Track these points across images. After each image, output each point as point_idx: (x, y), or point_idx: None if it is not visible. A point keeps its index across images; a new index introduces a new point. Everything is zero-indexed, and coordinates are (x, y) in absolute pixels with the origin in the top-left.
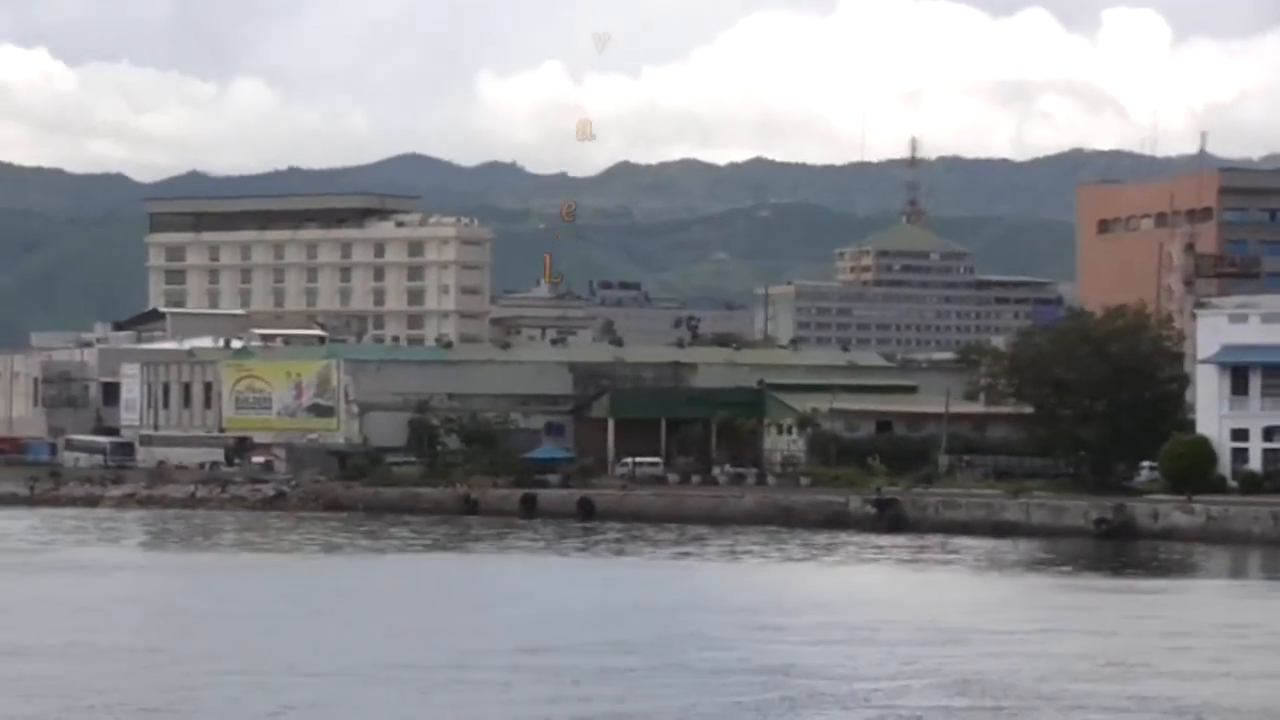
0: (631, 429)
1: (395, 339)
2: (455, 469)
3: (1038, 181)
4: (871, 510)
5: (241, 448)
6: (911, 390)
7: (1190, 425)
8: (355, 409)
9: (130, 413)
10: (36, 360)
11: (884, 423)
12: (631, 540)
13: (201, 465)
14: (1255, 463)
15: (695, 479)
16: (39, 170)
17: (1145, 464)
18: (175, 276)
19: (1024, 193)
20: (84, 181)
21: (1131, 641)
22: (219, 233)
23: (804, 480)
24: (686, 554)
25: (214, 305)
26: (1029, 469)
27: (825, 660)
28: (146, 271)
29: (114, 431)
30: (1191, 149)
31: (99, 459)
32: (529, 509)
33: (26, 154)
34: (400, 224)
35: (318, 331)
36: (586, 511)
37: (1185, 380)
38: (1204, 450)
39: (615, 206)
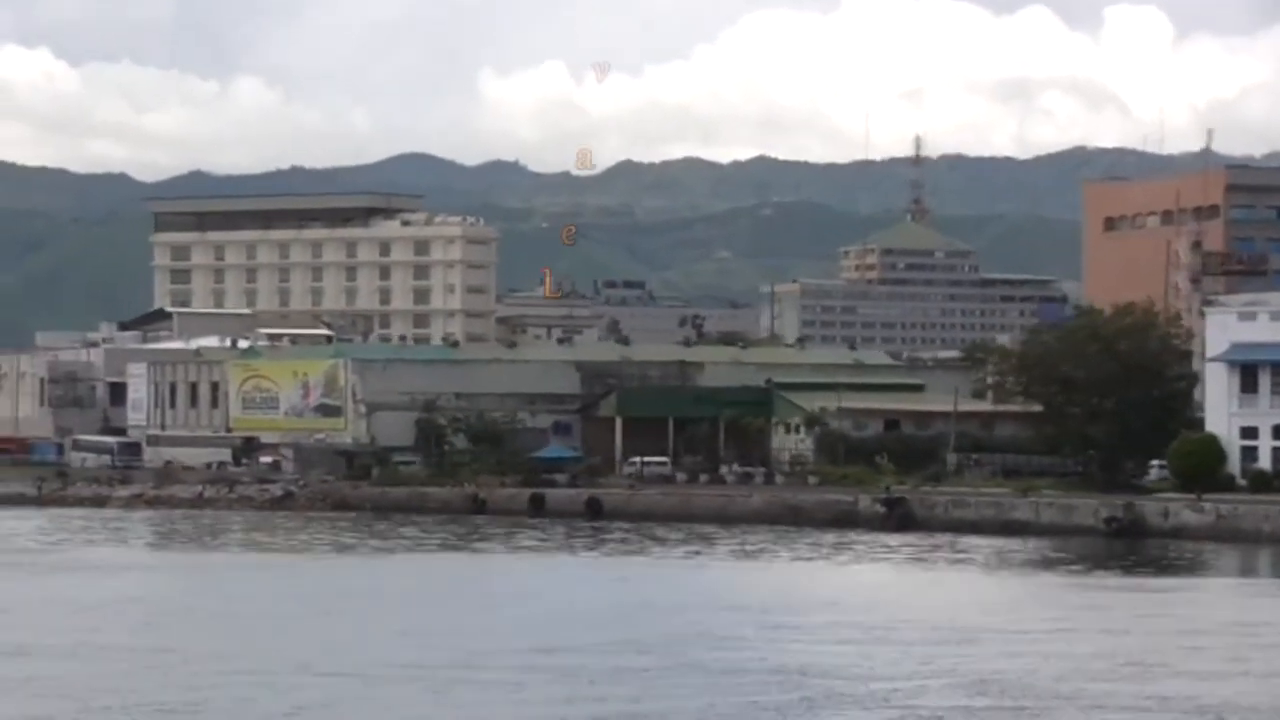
0: (639, 428)
1: (401, 338)
2: (462, 468)
3: (1040, 179)
4: (880, 509)
5: (249, 448)
6: (918, 389)
7: (1199, 423)
8: (362, 409)
9: (137, 413)
10: (42, 360)
11: (892, 421)
12: (640, 539)
13: (209, 465)
14: (1265, 461)
15: (703, 478)
16: (42, 170)
17: (1154, 462)
18: (180, 276)
19: (1026, 191)
20: (87, 181)
21: (1146, 640)
22: (224, 232)
23: (812, 479)
24: (696, 553)
25: (219, 305)
26: (1037, 467)
27: (840, 660)
28: (150, 271)
29: (121, 432)
30: (1194, 146)
31: (106, 459)
32: (537, 508)
33: (29, 154)
34: (406, 223)
35: (324, 331)
36: (594, 511)
37: (1194, 378)
38: (1213, 448)
39: (618, 205)
